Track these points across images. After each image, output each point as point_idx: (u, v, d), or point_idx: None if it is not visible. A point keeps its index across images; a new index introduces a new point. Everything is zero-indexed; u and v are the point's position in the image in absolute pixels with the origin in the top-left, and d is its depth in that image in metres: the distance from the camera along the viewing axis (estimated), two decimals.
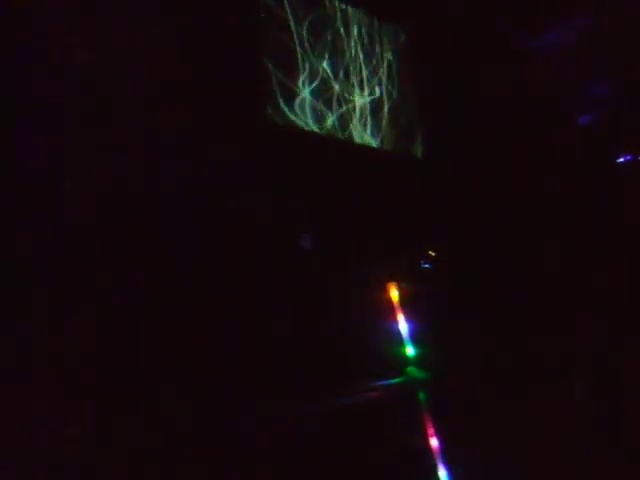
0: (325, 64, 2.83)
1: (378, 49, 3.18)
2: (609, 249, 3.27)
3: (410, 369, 2.59)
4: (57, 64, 1.92)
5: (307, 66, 2.73)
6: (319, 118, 2.75)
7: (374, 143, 3.06)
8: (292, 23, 2.69)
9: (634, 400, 2.73)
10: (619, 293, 3.08)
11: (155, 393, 1.87)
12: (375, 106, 3.10)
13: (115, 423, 1.76)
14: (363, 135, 3.00)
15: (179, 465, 1.84)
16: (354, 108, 2.97)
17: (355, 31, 3.04)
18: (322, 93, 2.79)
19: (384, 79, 3.19)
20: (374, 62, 3.14)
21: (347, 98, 2.93)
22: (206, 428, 1.93)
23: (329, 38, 2.88)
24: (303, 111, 2.68)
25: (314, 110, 2.73)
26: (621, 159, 3.63)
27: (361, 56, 3.06)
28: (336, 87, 2.88)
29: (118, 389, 1.80)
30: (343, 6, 2.98)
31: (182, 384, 1.93)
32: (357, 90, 3.00)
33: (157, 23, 2.20)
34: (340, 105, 2.88)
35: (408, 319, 2.68)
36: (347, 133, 2.91)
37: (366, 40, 3.10)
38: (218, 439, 1.95)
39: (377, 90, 3.13)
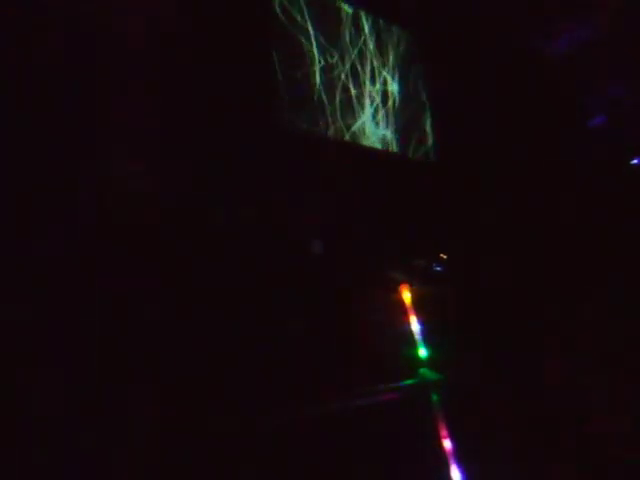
0: (335, 68, 2.86)
1: (388, 53, 3.20)
2: (622, 249, 3.25)
3: (423, 370, 2.59)
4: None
5: (317, 70, 2.76)
6: (330, 122, 2.78)
7: (387, 147, 3.08)
8: (303, 28, 2.72)
9: None
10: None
11: (173, 392, 1.89)
12: (387, 110, 3.12)
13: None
14: (375, 139, 3.02)
15: (190, 465, 1.86)
16: (366, 112, 2.99)
17: (365, 36, 3.07)
18: (333, 97, 2.81)
19: (395, 83, 3.20)
20: (384, 65, 3.16)
21: (358, 102, 2.95)
22: (222, 427, 1.95)
23: (340, 43, 2.91)
24: (315, 116, 2.70)
25: (325, 114, 2.76)
26: (636, 160, 3.61)
27: (371, 60, 3.08)
28: (347, 91, 2.90)
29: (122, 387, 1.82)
30: (354, 11, 3.00)
31: (197, 385, 1.96)
32: (368, 95, 3.02)
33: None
34: (351, 109, 2.90)
35: (421, 321, 2.69)
36: (359, 137, 2.93)
37: (376, 45, 3.13)
38: (235, 438, 1.97)
39: (389, 94, 3.15)
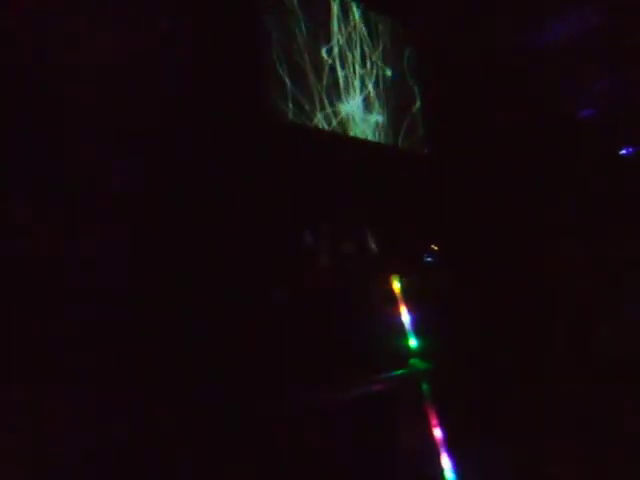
0: (328, 62, 2.85)
1: (380, 46, 3.19)
2: (611, 239, 3.28)
3: (413, 360, 2.61)
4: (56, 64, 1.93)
5: (311, 64, 2.74)
6: (323, 115, 2.77)
7: (377, 139, 3.07)
8: (295, 20, 2.70)
9: None
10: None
11: (171, 388, 1.89)
12: (378, 102, 3.11)
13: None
14: (366, 131, 3.01)
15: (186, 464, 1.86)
16: (356, 104, 2.98)
17: (357, 29, 3.05)
18: (325, 90, 2.80)
19: (386, 76, 3.20)
20: (375, 59, 3.15)
21: (349, 94, 2.94)
22: (216, 422, 1.96)
23: (331, 36, 2.89)
24: (306, 108, 2.69)
25: (318, 107, 2.75)
26: (623, 151, 3.63)
27: (362, 53, 3.07)
28: (339, 84, 2.89)
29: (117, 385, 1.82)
30: (344, 1, 2.99)
31: (192, 381, 1.96)
32: (359, 87, 3.01)
33: (158, 21, 2.21)
34: (343, 102, 2.90)
35: (411, 311, 2.70)
36: (350, 129, 2.92)
37: (368, 38, 3.11)
38: (225, 433, 1.97)
39: (379, 87, 3.14)
